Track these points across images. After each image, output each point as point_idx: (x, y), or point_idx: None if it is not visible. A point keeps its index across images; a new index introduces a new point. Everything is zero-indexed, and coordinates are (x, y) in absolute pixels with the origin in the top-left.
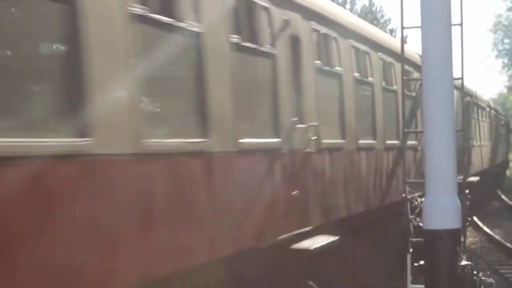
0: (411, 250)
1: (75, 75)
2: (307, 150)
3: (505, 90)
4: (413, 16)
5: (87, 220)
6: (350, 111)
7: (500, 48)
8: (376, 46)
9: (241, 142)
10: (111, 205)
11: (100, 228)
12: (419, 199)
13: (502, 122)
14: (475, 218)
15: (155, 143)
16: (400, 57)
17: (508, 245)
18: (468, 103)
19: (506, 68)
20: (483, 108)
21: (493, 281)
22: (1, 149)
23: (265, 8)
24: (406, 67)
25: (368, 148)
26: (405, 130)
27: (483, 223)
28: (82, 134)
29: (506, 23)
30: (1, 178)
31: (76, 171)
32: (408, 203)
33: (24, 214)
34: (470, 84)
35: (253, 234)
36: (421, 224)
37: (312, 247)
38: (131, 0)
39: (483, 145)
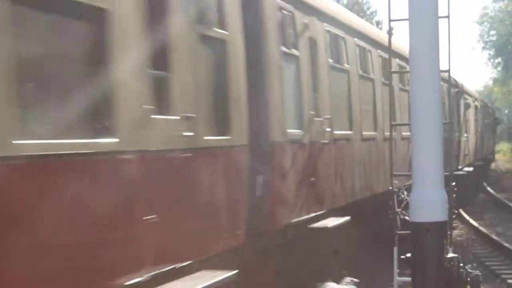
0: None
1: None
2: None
3: (490, 82)
4: (399, 8)
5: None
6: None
7: (486, 40)
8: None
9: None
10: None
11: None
12: (405, 192)
13: (493, 117)
14: (461, 211)
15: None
16: (388, 48)
17: (494, 237)
18: (476, 107)
19: (492, 60)
20: (484, 107)
21: (480, 273)
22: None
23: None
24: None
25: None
26: (393, 122)
27: (469, 216)
28: None
29: (492, 14)
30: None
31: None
32: (395, 196)
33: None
34: (457, 77)
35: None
36: (407, 217)
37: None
38: (329, 57)
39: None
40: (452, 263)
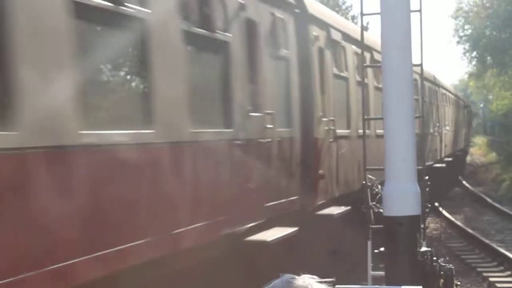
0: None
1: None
2: None
3: (466, 76)
4: (375, 3)
5: None
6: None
7: (461, 34)
8: None
9: None
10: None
11: None
12: (379, 186)
13: (469, 110)
14: (436, 204)
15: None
16: (360, 42)
17: (469, 230)
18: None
19: (467, 54)
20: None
21: (453, 267)
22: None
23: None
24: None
25: None
26: (366, 117)
27: (445, 209)
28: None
29: (467, 9)
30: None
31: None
32: (369, 190)
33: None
34: (433, 71)
35: None
36: (381, 210)
37: None
38: None
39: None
40: (425, 257)
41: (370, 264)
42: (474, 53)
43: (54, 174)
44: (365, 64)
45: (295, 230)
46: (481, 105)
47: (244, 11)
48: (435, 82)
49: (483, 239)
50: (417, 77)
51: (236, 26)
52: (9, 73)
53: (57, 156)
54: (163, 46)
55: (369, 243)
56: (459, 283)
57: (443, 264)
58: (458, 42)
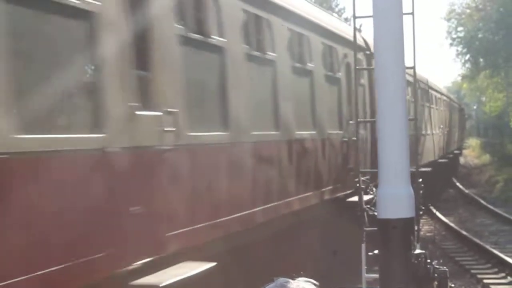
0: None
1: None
2: None
3: (459, 78)
4: (367, 5)
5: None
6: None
7: (454, 36)
8: None
9: None
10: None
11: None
12: (374, 189)
13: (462, 112)
14: (430, 206)
15: None
16: (352, 44)
17: (463, 232)
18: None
19: (460, 57)
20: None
21: (447, 269)
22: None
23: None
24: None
25: None
26: (358, 119)
27: (439, 211)
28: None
29: (460, 11)
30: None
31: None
32: (362, 192)
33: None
34: (426, 74)
35: None
36: (376, 213)
37: None
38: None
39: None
40: (419, 259)
41: (364, 267)
42: (467, 55)
43: (245, 158)
44: (358, 67)
45: (373, 197)
46: (475, 107)
47: (346, 57)
48: (428, 85)
49: (477, 240)
50: (410, 79)
51: (343, 67)
52: (225, 99)
53: (244, 147)
54: (321, 85)
55: (363, 245)
56: (453, 285)
57: (437, 266)
58: (451, 44)
